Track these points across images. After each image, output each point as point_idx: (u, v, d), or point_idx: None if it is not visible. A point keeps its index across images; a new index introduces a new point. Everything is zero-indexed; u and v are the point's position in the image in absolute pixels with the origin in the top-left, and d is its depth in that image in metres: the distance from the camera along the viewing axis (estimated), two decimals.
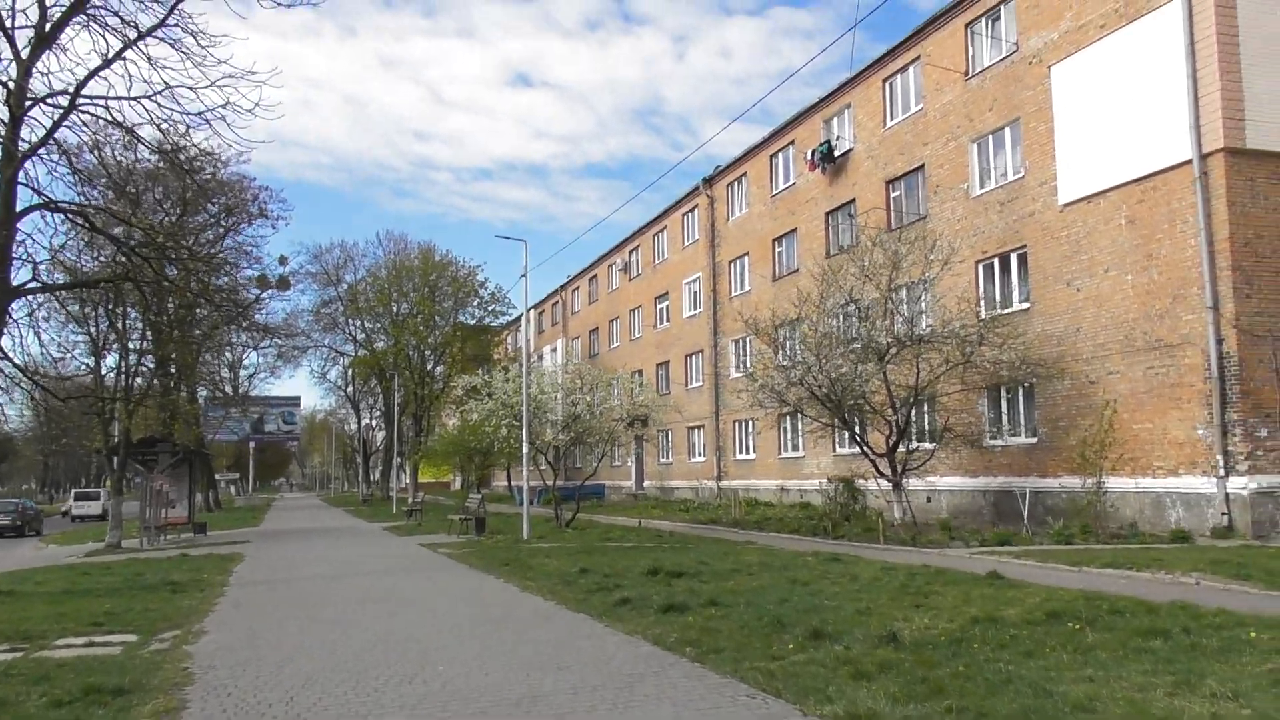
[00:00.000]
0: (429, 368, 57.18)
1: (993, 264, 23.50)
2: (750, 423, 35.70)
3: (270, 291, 51.44)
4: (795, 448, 32.73)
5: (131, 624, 10.26)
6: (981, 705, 5.82)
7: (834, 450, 30.08)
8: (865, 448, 21.53)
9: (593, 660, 7.60)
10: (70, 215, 14.16)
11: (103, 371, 24.34)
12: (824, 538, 19.73)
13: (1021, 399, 22.33)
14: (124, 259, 14.45)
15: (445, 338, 55.83)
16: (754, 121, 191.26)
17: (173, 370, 33.47)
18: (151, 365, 26.48)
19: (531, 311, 70.50)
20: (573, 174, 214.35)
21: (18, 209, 13.48)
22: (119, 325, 22.37)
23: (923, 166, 26.28)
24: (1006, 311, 22.29)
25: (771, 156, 34.87)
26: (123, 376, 24.32)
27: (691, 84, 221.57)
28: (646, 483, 45.50)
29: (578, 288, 56.89)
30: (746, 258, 36.64)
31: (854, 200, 29.46)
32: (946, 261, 21.43)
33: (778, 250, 34.41)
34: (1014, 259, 22.88)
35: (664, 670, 7.11)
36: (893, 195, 27.79)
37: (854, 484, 24.17)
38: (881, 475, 21.51)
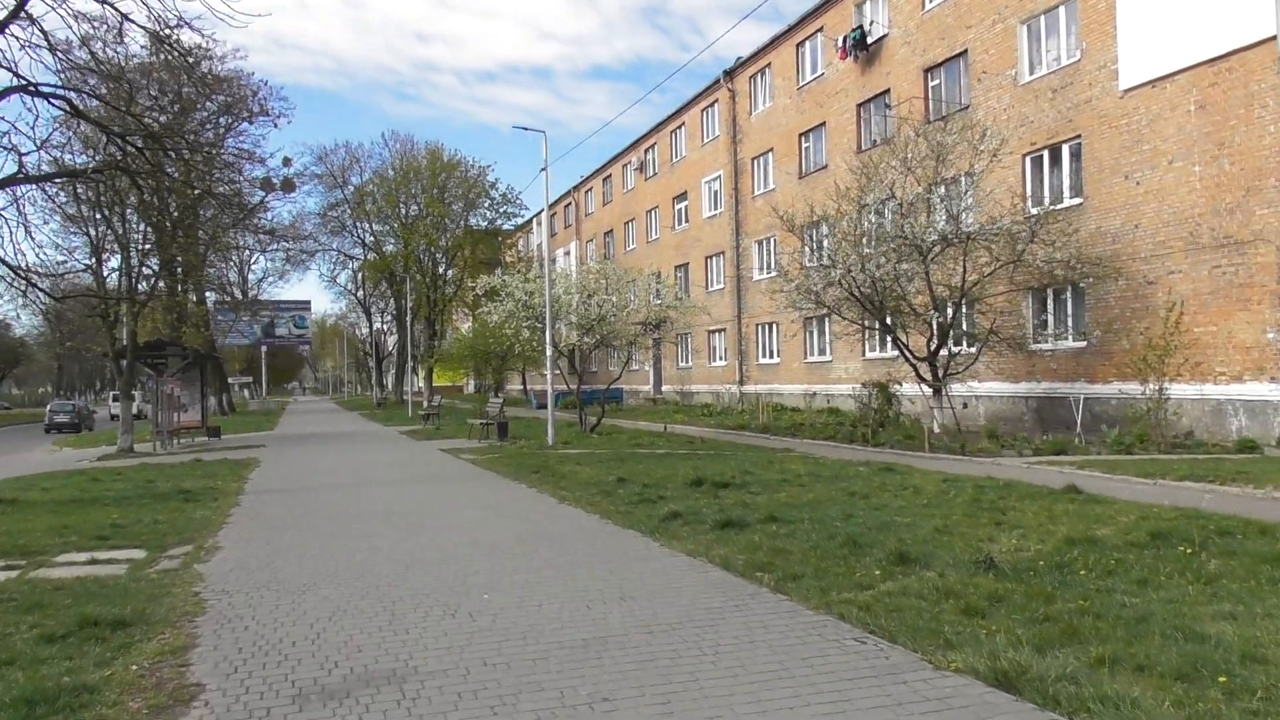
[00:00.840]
0: (440, 270, 55.95)
1: (1042, 156, 22.08)
2: (774, 326, 34.68)
3: (275, 194, 50.26)
4: (822, 351, 31.76)
5: (139, 538, 9.48)
6: (1132, 652, 4.92)
7: (863, 354, 29.12)
8: (906, 351, 20.49)
9: (660, 589, 6.72)
10: (54, 101, 12.94)
11: (105, 274, 23.26)
12: (862, 445, 18.89)
13: (1070, 300, 21.21)
14: (116, 150, 13.29)
15: (455, 240, 54.43)
16: (765, 20, 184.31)
17: (178, 272, 32.40)
18: (155, 267, 25.36)
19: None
20: (578, 77, 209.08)
21: None
22: (116, 226, 21.14)
23: (965, 52, 24.59)
24: (1058, 208, 20.95)
25: (798, 46, 32.97)
26: (125, 278, 23.25)
27: None
28: (665, 387, 44.75)
29: (591, 189, 55.22)
30: (770, 154, 35.05)
31: (889, 91, 27.79)
32: (996, 152, 20.01)
33: (804, 145, 32.82)
34: (1065, 150, 21.46)
35: (745, 603, 6.22)
36: (931, 84, 26.13)
37: (889, 389, 23.31)
38: (922, 380, 20.55)
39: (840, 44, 29.09)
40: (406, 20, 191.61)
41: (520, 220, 58.72)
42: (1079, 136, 20.92)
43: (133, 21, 12.90)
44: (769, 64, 34.96)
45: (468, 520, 10.35)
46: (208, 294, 50.12)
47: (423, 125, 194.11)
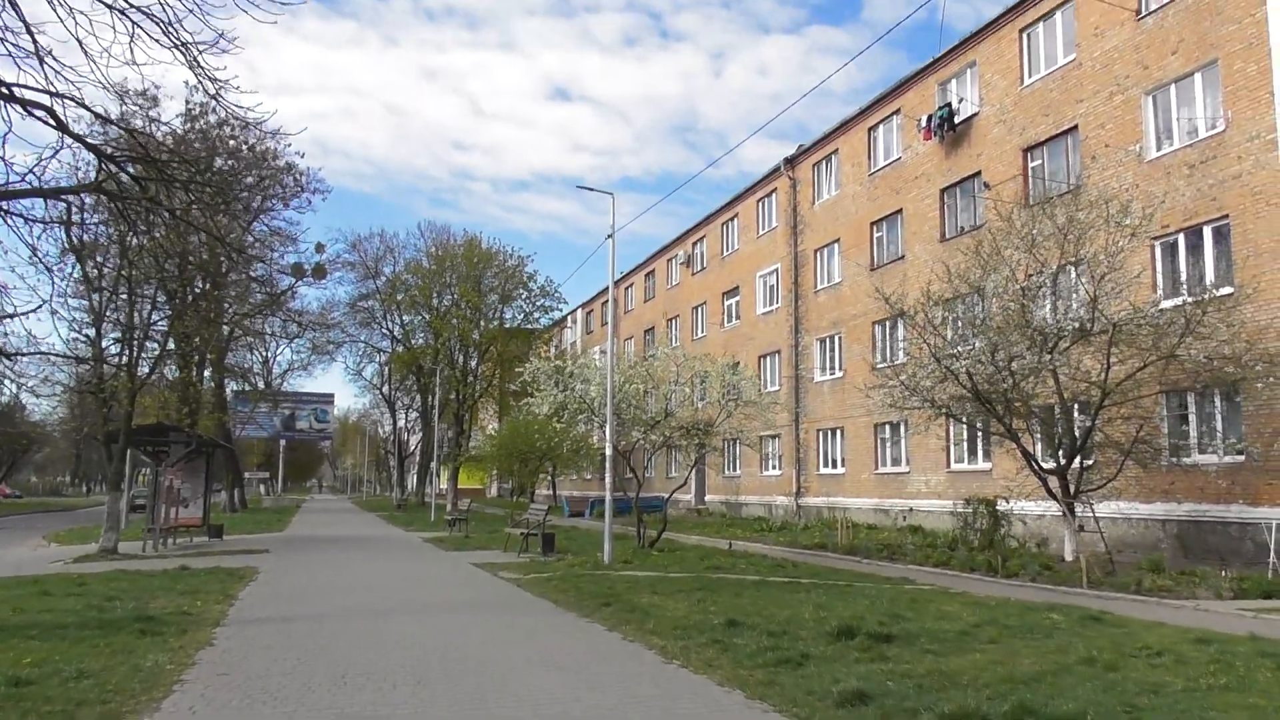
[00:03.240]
0: (471, 364, 53.25)
1: (1175, 241, 19.17)
2: (840, 432, 31.42)
3: (306, 279, 48.24)
4: (896, 461, 28.40)
5: (37, 712, 6.18)
6: None
7: (948, 466, 25.76)
8: (1034, 462, 17.17)
9: None
10: (32, 111, 10.30)
11: (103, 345, 20.47)
12: (987, 574, 15.46)
13: (1221, 405, 17.97)
14: (108, 177, 10.62)
15: (488, 334, 51.88)
16: (785, 138, 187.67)
17: (195, 349, 29.74)
18: (160, 336, 22.54)
19: (580, 310, 66.74)
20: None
21: None
22: (113, 283, 18.38)
23: (1074, 128, 22.01)
24: (1206, 297, 17.87)
25: (870, 130, 30.66)
26: (126, 349, 20.43)
27: (728, 100, 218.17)
28: (708, 497, 41.24)
29: (632, 284, 52.83)
30: (837, 245, 32.41)
31: (978, 173, 25.20)
32: (1137, 230, 17.06)
33: (876, 235, 30.16)
34: (1208, 233, 18.55)
35: None
36: (1032, 164, 23.51)
37: (995, 506, 19.98)
38: (1051, 496, 17.19)
39: (924, 124, 26.64)
40: (446, 129, 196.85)
41: (558, 314, 56.26)
42: (1226, 216, 18.03)
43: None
44: (835, 150, 32.64)
45: (541, 692, 6.96)
46: (227, 382, 47.49)
47: (455, 228, 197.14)
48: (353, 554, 21.16)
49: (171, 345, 29.77)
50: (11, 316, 10.10)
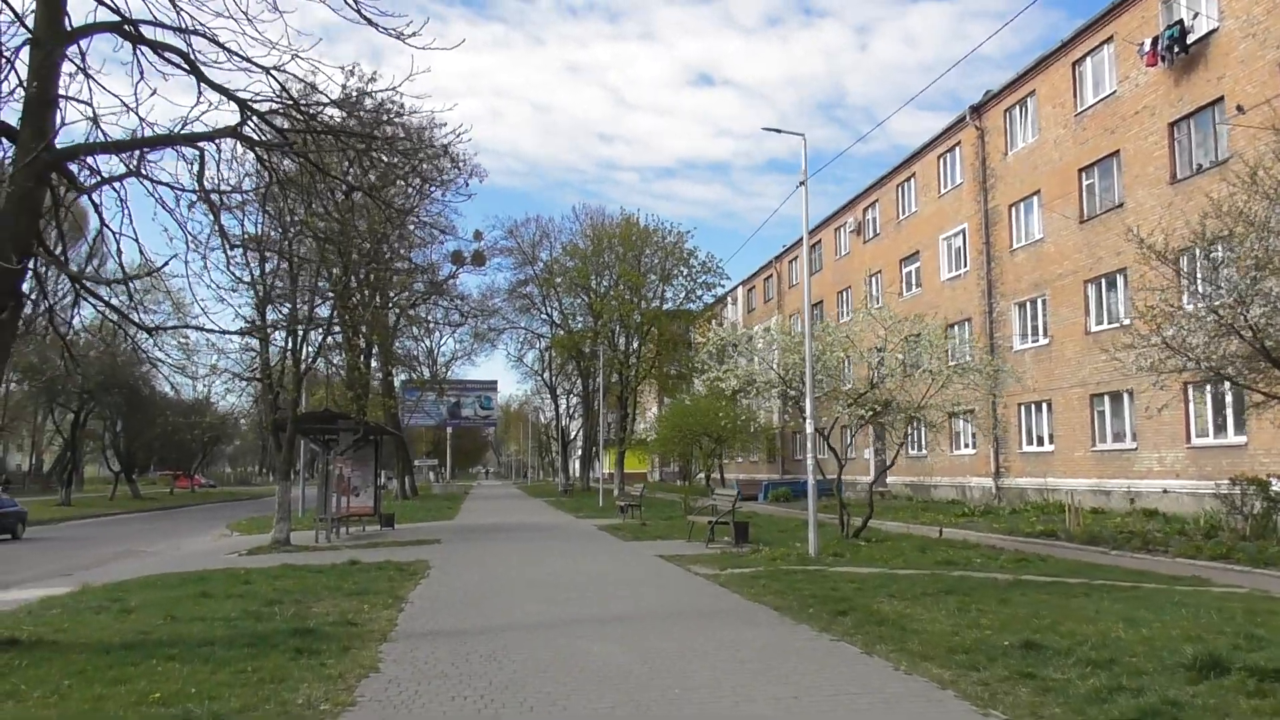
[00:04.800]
0: (633, 346, 51.92)
1: None
2: (1046, 405, 28.14)
3: (466, 267, 47.94)
4: (1119, 437, 25.01)
5: None
6: None
7: (1187, 440, 22.28)
8: None
9: None
10: (163, 53, 9.06)
11: (269, 328, 19.79)
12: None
13: None
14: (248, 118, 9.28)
15: (648, 315, 50.37)
16: (938, 108, 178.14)
17: (362, 336, 29.33)
18: (325, 320, 21.79)
19: (740, 288, 64.45)
20: (754, 170, 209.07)
21: (71, 25, 8.46)
22: (280, 255, 17.44)
23: None
24: None
25: (1075, 64, 27.13)
26: (290, 337, 19.68)
27: (875, 74, 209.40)
28: (890, 478, 38.32)
29: (795, 258, 50.19)
30: (1036, 198, 29.02)
31: (1220, 100, 21.55)
32: None
33: (1086, 182, 26.68)
34: None
35: None
36: None
37: (1270, 486, 16.85)
38: None
39: (1149, 47, 23.08)
40: (591, 122, 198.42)
41: (720, 291, 54.21)
42: None
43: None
44: (1032, 92, 29.18)
45: None
46: (394, 370, 47.78)
47: (611, 208, 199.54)
48: (527, 544, 19.82)
49: (337, 332, 29.48)
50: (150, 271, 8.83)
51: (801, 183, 15.57)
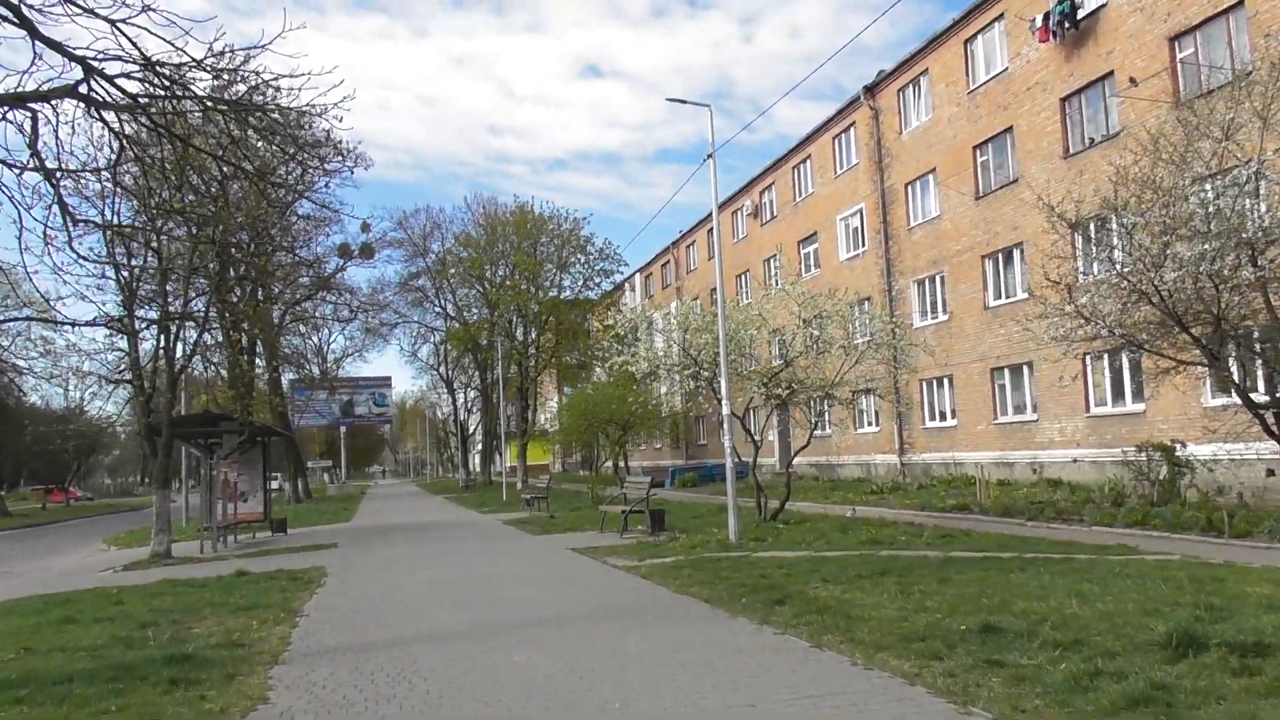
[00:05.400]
0: (531, 336, 50.82)
1: None
2: (946, 381, 28.41)
3: (354, 260, 45.98)
4: (1020, 409, 25.35)
5: None
6: None
7: (1086, 409, 22.66)
8: (1246, 395, 14.13)
9: None
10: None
11: (136, 324, 18.15)
12: (1202, 533, 12.58)
13: None
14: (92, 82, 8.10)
15: (546, 305, 49.32)
16: (824, 98, 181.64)
17: (242, 338, 27.64)
18: (200, 316, 20.16)
19: (638, 275, 63.90)
20: (646, 161, 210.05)
21: None
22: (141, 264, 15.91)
23: (1239, 3, 18.66)
24: None
25: (966, 42, 27.34)
26: (163, 330, 18.06)
27: (761, 65, 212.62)
28: (796, 459, 38.35)
29: (693, 242, 49.85)
30: (931, 176, 29.22)
31: (1109, 74, 21.89)
32: None
33: (980, 159, 26.94)
34: None
35: None
36: (1181, 54, 20.15)
37: (1174, 452, 17.10)
38: (1270, 434, 14.14)
39: (1039, 23, 23.32)
40: (480, 115, 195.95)
41: (619, 278, 53.56)
42: None
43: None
44: (925, 70, 29.35)
45: None
46: (282, 369, 45.59)
47: (504, 197, 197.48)
48: (430, 544, 18.77)
49: (215, 329, 27.68)
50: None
51: (709, 155, 15.03)
